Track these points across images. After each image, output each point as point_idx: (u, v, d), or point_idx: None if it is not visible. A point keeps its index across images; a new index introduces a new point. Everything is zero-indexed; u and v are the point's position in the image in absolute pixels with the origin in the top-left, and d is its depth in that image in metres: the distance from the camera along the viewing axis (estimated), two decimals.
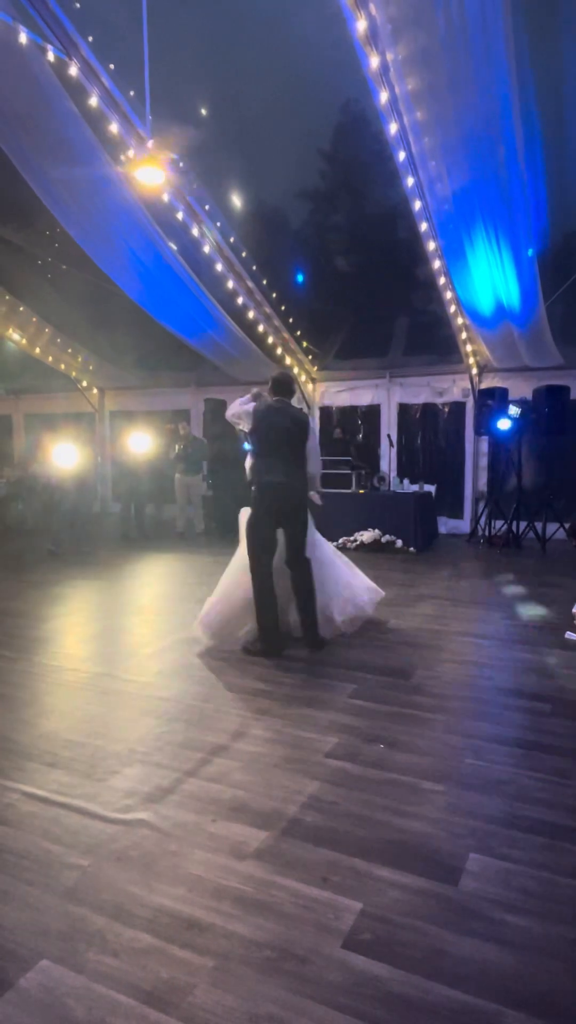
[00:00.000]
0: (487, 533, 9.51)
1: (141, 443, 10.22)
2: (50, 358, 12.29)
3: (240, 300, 9.32)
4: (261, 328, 9.96)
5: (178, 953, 1.89)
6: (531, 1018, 1.68)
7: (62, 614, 5.88)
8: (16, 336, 11.76)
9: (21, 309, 11.23)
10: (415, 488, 9.51)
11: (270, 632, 4.51)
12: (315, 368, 11.34)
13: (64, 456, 9.00)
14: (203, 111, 6.90)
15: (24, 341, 11.85)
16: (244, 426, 4.58)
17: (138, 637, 5.17)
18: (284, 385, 4.75)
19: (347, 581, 5.12)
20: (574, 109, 6.13)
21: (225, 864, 2.29)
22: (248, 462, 4.76)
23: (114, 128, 6.72)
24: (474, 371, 10.14)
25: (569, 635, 4.05)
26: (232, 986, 1.78)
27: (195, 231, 8.16)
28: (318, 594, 4.62)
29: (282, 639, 4.61)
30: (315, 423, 4.71)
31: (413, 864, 2.29)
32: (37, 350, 12.06)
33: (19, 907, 2.09)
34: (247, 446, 4.89)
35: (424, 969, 1.83)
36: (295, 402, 5.34)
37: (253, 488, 4.59)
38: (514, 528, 9.26)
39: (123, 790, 2.80)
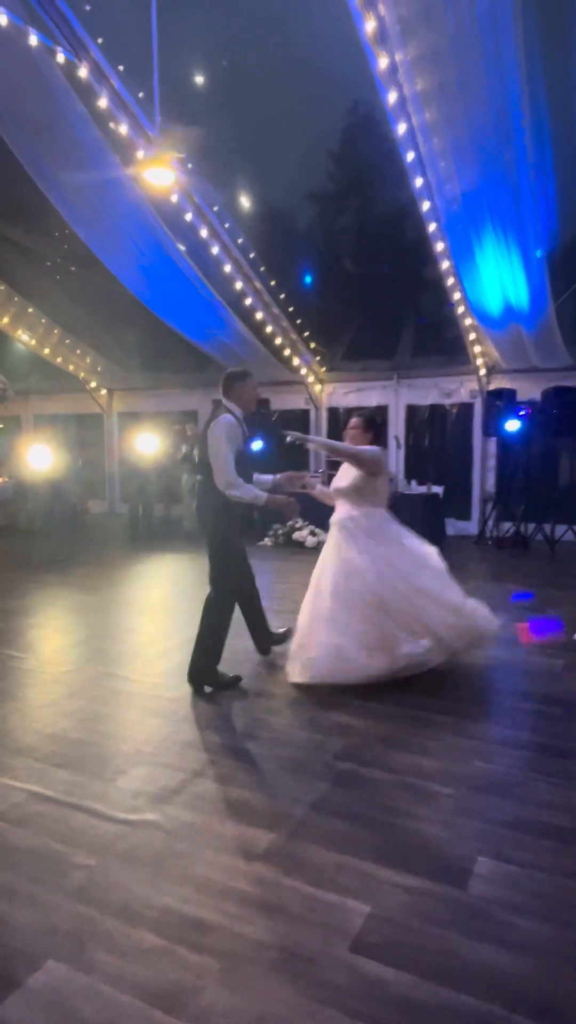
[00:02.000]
0: (495, 535, 9.47)
1: (149, 444, 10.23)
2: (59, 359, 12.34)
3: (248, 301, 9.32)
4: (269, 329, 9.97)
5: (185, 954, 1.89)
6: (538, 1022, 1.67)
7: (70, 614, 5.90)
8: (25, 337, 11.81)
9: (30, 310, 11.28)
10: (423, 489, 9.49)
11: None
12: (323, 369, 11.33)
13: (38, 459, 8.91)
14: (211, 112, 6.91)
15: (33, 342, 11.90)
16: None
17: (145, 637, 5.17)
18: (221, 385, 4.06)
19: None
20: None
21: (233, 865, 2.29)
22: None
23: (123, 129, 6.74)
24: (482, 372, 10.10)
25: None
26: (239, 987, 1.78)
27: (204, 232, 8.17)
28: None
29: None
30: (219, 427, 3.79)
31: (421, 867, 2.28)
32: (46, 351, 12.10)
33: (27, 906, 2.09)
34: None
35: (432, 973, 1.83)
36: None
37: None
38: (522, 530, 9.22)
39: (130, 790, 2.80)
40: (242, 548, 4.23)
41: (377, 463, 4.05)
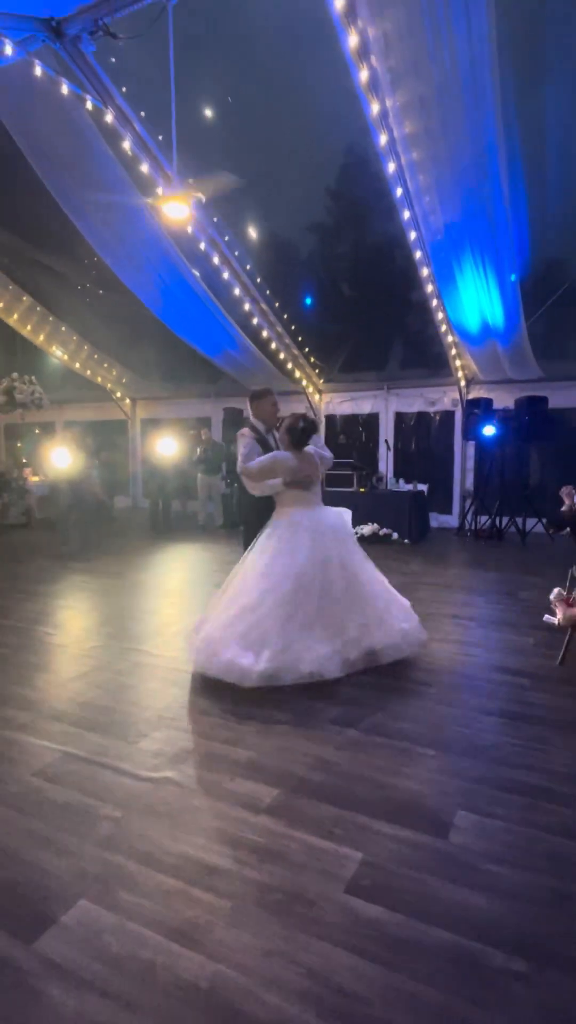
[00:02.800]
0: (473, 527, 9.46)
1: (168, 447, 10.23)
2: (88, 372, 12.32)
3: (255, 320, 9.30)
4: (274, 345, 9.94)
5: (200, 895, 1.90)
6: (512, 956, 1.67)
7: (97, 597, 5.90)
8: (59, 352, 11.79)
9: (63, 328, 11.26)
10: (410, 487, 9.48)
11: None
12: (321, 381, 11.30)
13: (58, 459, 8.84)
14: (222, 153, 6.87)
15: (66, 357, 11.88)
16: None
17: (165, 617, 5.17)
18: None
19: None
20: (554, 150, 6.07)
21: (241, 817, 2.29)
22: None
23: (145, 168, 6.71)
24: (462, 383, 10.07)
25: (547, 618, 4.01)
26: (247, 925, 1.78)
27: (216, 259, 8.14)
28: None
29: None
30: (238, 437, 4.19)
31: (408, 819, 2.28)
32: (77, 365, 12.09)
33: (61, 853, 2.10)
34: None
35: (417, 912, 1.83)
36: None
37: None
38: (497, 522, 9.21)
39: (152, 751, 2.81)
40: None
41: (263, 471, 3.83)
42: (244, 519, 4.24)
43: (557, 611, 3.87)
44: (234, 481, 10.45)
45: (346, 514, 4.06)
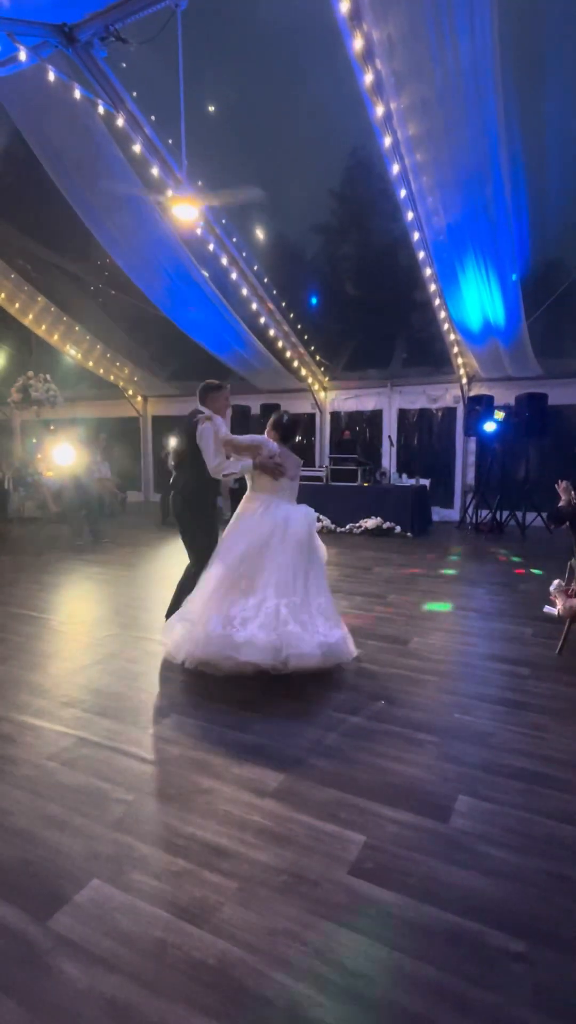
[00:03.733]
0: (474, 521, 9.41)
1: (177, 443, 10.20)
2: (101, 370, 12.32)
3: (262, 320, 9.26)
4: (280, 344, 9.90)
5: (208, 876, 1.90)
6: (511, 937, 1.66)
7: (110, 587, 5.92)
8: (73, 352, 11.79)
9: (77, 329, 11.25)
10: (412, 482, 9.44)
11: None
12: (327, 378, 11.25)
13: (62, 456, 8.81)
14: (230, 155, 6.82)
15: (79, 356, 11.88)
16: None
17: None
18: (199, 394, 4.07)
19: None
20: (555, 151, 5.98)
21: (248, 801, 2.29)
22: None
23: (155, 171, 6.68)
24: (464, 380, 10.00)
25: (547, 609, 3.99)
26: (254, 905, 1.78)
27: (224, 260, 8.10)
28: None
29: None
30: (205, 428, 3.76)
31: (409, 803, 2.28)
32: (90, 363, 12.09)
33: (74, 834, 2.10)
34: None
35: (418, 893, 1.82)
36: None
37: None
38: (498, 516, 9.16)
39: (162, 736, 2.81)
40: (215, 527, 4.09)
41: (251, 449, 3.77)
42: (197, 510, 3.94)
43: (557, 602, 3.85)
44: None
45: (311, 512, 3.88)
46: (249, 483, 3.89)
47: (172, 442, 10.09)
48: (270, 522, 3.64)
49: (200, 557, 3.87)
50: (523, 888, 1.85)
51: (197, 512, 3.97)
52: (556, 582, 3.96)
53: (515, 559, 7.10)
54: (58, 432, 12.96)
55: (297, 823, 2.16)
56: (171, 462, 3.51)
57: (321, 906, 1.77)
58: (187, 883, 1.87)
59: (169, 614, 3.93)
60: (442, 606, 5.09)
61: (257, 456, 3.74)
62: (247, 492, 3.90)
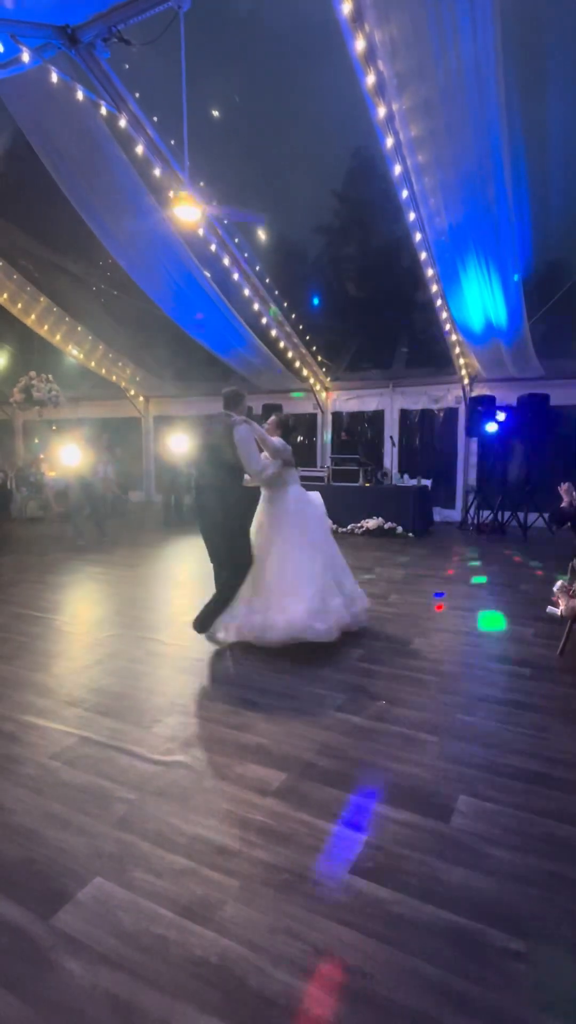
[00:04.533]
0: (476, 521, 9.41)
1: (180, 443, 10.23)
2: (103, 370, 12.33)
3: (264, 320, 9.26)
4: (282, 344, 9.91)
5: (210, 874, 1.91)
6: (511, 937, 1.67)
7: (112, 587, 5.93)
8: (75, 352, 11.81)
9: (79, 329, 11.27)
10: (414, 482, 9.43)
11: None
12: (328, 379, 11.25)
13: (68, 457, 8.82)
14: (233, 156, 6.83)
15: (82, 356, 11.90)
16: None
17: (176, 607, 5.19)
18: (227, 400, 4.09)
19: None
20: (557, 152, 5.98)
21: (250, 800, 2.30)
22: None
23: (157, 172, 6.68)
24: (466, 381, 10.00)
25: (550, 609, 3.99)
26: (255, 903, 1.79)
27: (226, 261, 8.11)
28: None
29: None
30: (244, 430, 3.85)
31: (411, 803, 2.28)
32: (92, 364, 12.10)
33: (77, 833, 2.12)
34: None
35: (419, 893, 1.83)
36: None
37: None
38: (499, 517, 9.16)
39: (165, 736, 2.82)
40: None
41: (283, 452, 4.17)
42: (232, 515, 3.94)
43: (560, 603, 3.85)
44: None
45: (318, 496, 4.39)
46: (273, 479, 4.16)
47: (181, 444, 10.10)
48: (314, 501, 4.26)
49: (240, 567, 3.97)
50: (524, 888, 1.86)
51: (243, 519, 4.04)
52: (559, 583, 3.96)
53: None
54: (61, 432, 13.01)
55: (299, 822, 2.17)
56: (190, 469, 3.50)
57: (322, 904, 1.78)
58: (189, 881, 1.88)
59: (202, 622, 3.98)
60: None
61: (281, 455, 4.14)
62: (275, 489, 4.18)
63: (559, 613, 3.84)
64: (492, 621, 4.67)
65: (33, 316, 10.94)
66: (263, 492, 4.27)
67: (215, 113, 6.45)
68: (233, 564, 3.98)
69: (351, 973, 1.56)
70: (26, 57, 5.25)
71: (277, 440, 4.16)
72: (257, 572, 4.01)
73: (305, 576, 3.91)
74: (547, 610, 4.10)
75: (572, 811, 2.24)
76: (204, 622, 3.99)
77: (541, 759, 2.61)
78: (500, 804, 2.28)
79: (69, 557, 7.34)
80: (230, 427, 3.87)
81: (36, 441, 14.29)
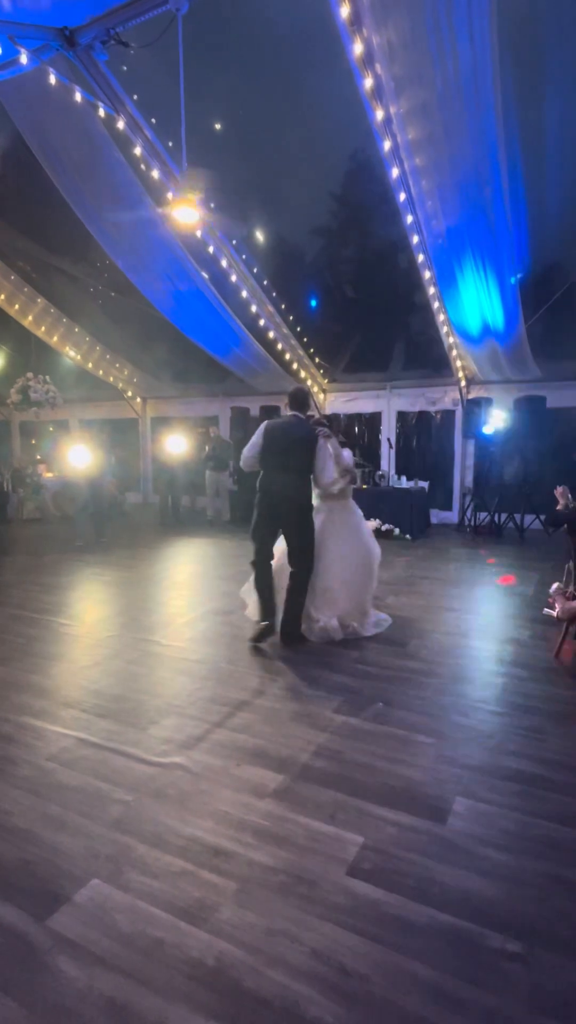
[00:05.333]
0: (473, 523, 9.42)
1: (177, 444, 10.23)
2: (101, 372, 12.32)
3: (262, 322, 9.27)
4: (280, 346, 9.91)
5: (207, 876, 1.91)
6: (508, 939, 1.67)
7: (110, 589, 5.93)
8: (72, 353, 11.80)
9: (76, 330, 11.26)
10: (411, 484, 9.45)
11: (266, 607, 4.22)
12: (326, 380, 11.26)
13: (77, 458, 8.83)
14: (231, 158, 6.84)
15: (79, 357, 11.89)
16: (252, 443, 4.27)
17: (174, 609, 5.19)
18: (296, 400, 4.33)
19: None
20: (554, 155, 6.01)
21: (247, 802, 2.30)
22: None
23: (155, 174, 6.68)
24: (463, 383, 10.01)
25: (546, 611, 4.00)
26: (252, 905, 1.79)
27: (224, 262, 8.12)
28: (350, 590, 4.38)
29: (273, 611, 4.25)
30: (325, 443, 4.18)
31: (407, 805, 2.29)
32: (90, 365, 12.09)
33: (74, 834, 2.11)
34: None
35: (416, 895, 1.83)
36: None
37: (257, 492, 4.26)
38: (496, 519, 9.17)
39: (161, 737, 2.82)
40: None
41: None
42: (307, 517, 4.21)
43: (556, 604, 3.87)
44: (240, 477, 10.45)
45: None
46: (326, 492, 4.41)
47: (178, 445, 10.08)
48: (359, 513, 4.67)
49: (310, 559, 4.22)
50: (520, 889, 1.86)
51: (311, 517, 4.25)
52: (556, 585, 3.98)
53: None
54: (57, 433, 12.98)
55: (295, 824, 2.17)
56: (241, 465, 3.69)
57: (319, 906, 1.78)
58: (186, 883, 1.88)
59: (286, 627, 4.20)
60: (441, 607, 5.11)
61: (351, 473, 4.52)
62: (341, 500, 4.52)
63: (555, 615, 3.85)
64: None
65: (30, 317, 10.93)
66: (317, 501, 4.44)
67: (213, 115, 6.46)
68: (307, 562, 4.20)
69: (347, 975, 1.56)
70: (24, 59, 5.25)
71: (348, 456, 4.45)
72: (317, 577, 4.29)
73: (358, 582, 4.41)
74: (543, 611, 4.12)
75: (568, 813, 2.24)
76: (292, 632, 4.20)
77: (537, 761, 2.61)
78: (496, 806, 2.28)
79: (67, 558, 7.33)
80: (314, 439, 4.16)
81: (32, 442, 14.29)
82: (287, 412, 4.38)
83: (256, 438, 4.22)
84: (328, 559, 4.31)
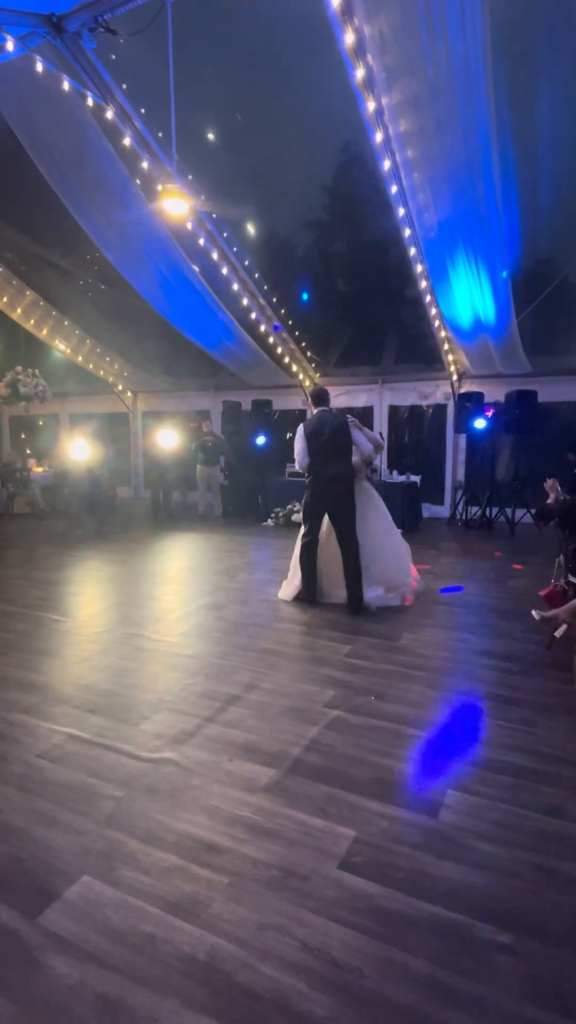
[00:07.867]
0: (464, 517, 9.46)
1: (168, 439, 10.18)
2: (91, 365, 12.23)
3: (253, 315, 9.23)
4: (271, 340, 9.88)
5: (199, 871, 1.91)
6: (499, 930, 1.68)
7: (101, 584, 5.90)
8: (62, 346, 11.70)
9: (66, 323, 11.16)
10: (403, 478, 9.45)
11: (308, 584, 4.97)
12: (317, 374, 11.24)
13: (77, 451, 8.84)
14: (221, 150, 6.79)
15: (69, 351, 11.79)
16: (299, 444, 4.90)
17: (165, 604, 5.18)
18: (319, 397, 5.09)
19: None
20: (545, 149, 6.00)
21: (239, 797, 2.30)
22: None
23: (145, 165, 6.63)
24: (454, 377, 10.03)
25: (535, 613, 4.01)
26: (244, 900, 1.79)
27: (215, 255, 8.06)
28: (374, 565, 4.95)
29: (315, 591, 5.00)
30: (354, 424, 4.99)
31: (399, 798, 2.30)
32: (80, 358, 12.00)
33: (65, 831, 2.10)
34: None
35: (408, 887, 1.84)
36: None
37: (308, 479, 4.94)
38: (487, 513, 9.21)
39: (153, 733, 2.81)
40: None
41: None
42: (352, 495, 4.84)
43: (550, 608, 3.88)
44: (231, 472, 10.42)
45: None
46: (370, 460, 5.15)
47: (170, 439, 10.04)
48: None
49: (354, 534, 4.79)
50: (511, 881, 1.87)
51: (354, 498, 4.87)
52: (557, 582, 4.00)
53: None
54: (46, 427, 12.89)
55: (287, 818, 2.17)
56: (307, 460, 4.59)
57: (311, 900, 1.79)
58: (177, 879, 1.88)
59: (357, 604, 4.77)
60: (432, 601, 5.12)
61: (381, 447, 5.33)
62: (361, 480, 5.11)
63: (557, 617, 3.85)
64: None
65: (19, 310, 10.82)
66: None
67: (203, 105, 6.40)
68: (355, 537, 4.77)
69: (340, 968, 1.56)
70: (10, 46, 5.17)
71: (375, 434, 5.32)
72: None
73: (391, 553, 5.12)
74: (532, 613, 4.13)
75: (559, 805, 2.26)
76: (358, 601, 4.76)
77: (528, 753, 2.63)
78: (488, 798, 2.30)
79: (56, 553, 7.29)
80: (346, 424, 4.86)
81: (22, 436, 14.17)
82: (314, 410, 5.06)
83: (300, 441, 4.86)
84: (366, 534, 4.92)
